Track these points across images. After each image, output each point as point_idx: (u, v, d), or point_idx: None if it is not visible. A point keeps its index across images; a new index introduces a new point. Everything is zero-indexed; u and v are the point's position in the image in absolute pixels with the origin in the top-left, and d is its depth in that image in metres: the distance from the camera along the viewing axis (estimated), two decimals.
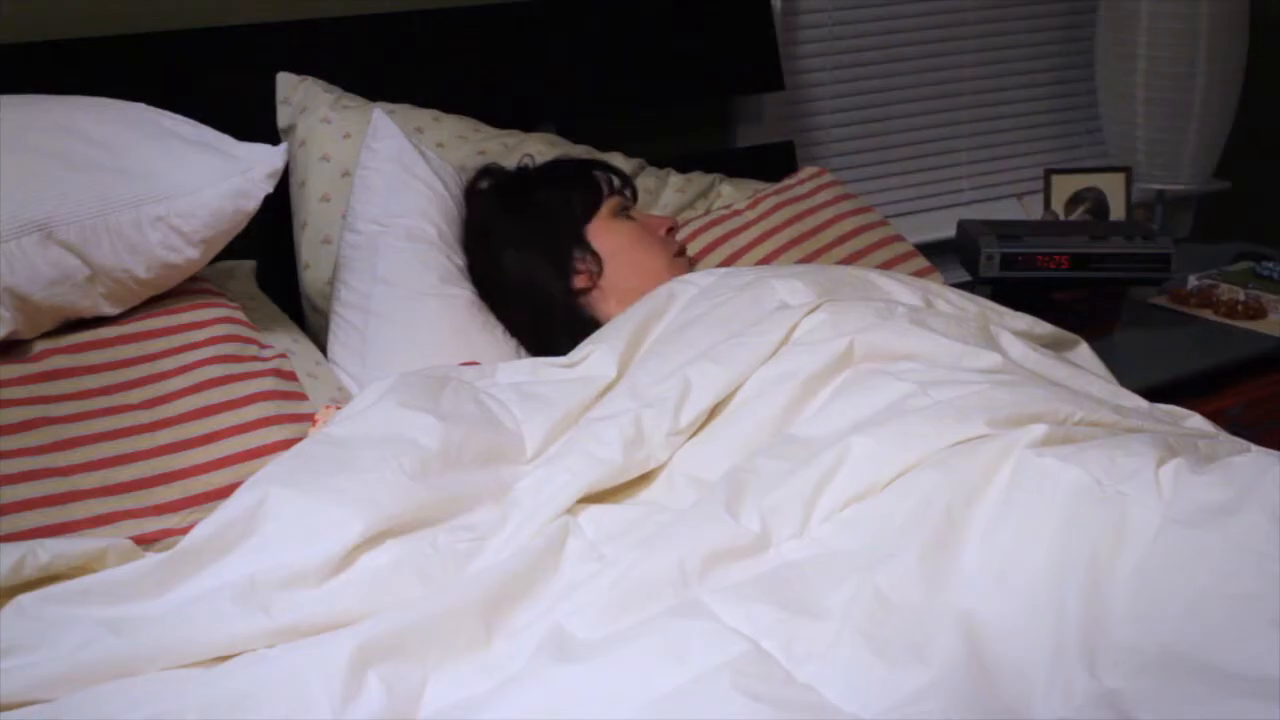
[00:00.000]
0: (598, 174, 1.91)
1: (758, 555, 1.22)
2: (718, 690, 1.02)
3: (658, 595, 1.17)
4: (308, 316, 1.96)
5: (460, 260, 1.87)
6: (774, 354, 1.47)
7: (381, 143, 1.91)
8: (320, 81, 2.03)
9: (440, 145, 2.02)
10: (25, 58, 1.87)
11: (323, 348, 1.87)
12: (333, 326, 1.86)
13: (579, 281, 1.84)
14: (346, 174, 1.94)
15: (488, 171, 1.95)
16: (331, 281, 1.90)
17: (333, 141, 1.96)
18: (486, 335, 1.82)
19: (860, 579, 1.14)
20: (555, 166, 1.95)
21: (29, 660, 1.15)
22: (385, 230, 1.85)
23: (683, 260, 1.93)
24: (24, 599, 1.23)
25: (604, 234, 1.86)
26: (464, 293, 1.84)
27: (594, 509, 1.35)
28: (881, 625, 1.09)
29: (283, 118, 2.00)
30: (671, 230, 1.97)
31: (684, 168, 2.25)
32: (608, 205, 1.88)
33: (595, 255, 1.84)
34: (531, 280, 1.83)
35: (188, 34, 2.01)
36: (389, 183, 1.88)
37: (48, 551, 1.27)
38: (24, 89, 1.76)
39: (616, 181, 1.93)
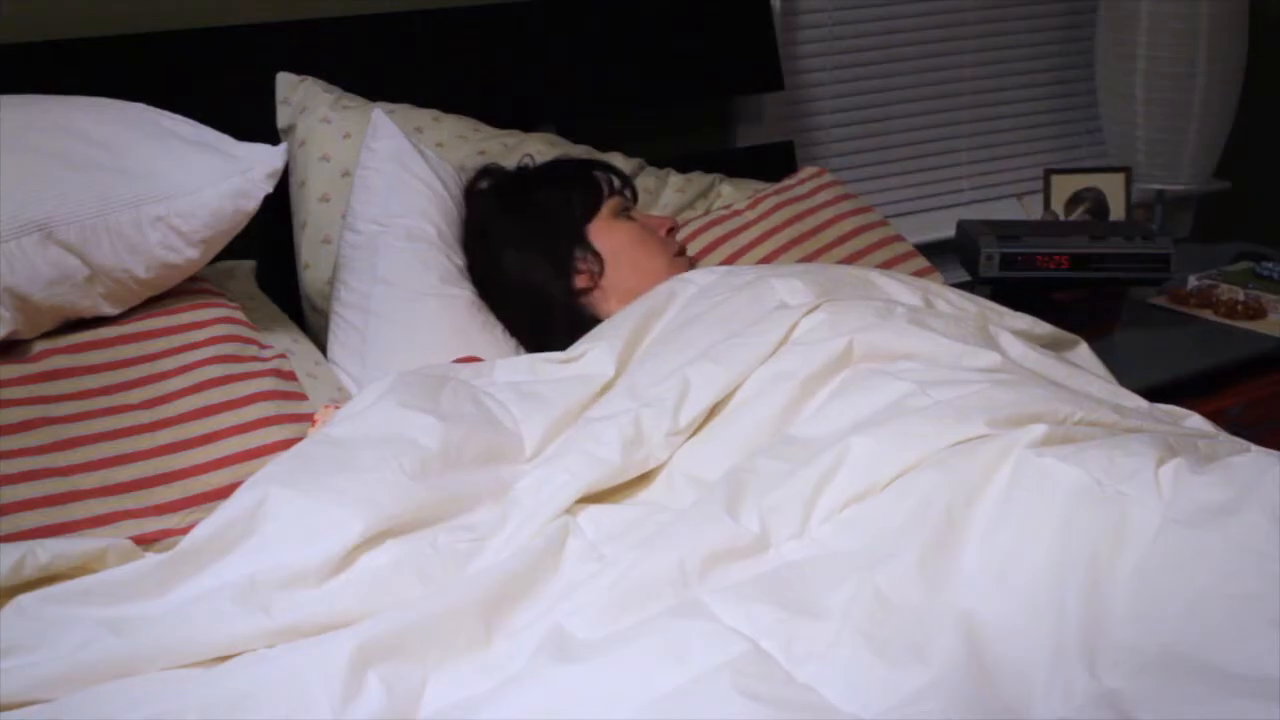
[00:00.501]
0: (598, 174, 1.91)
1: (757, 555, 1.22)
2: (717, 690, 1.02)
3: (657, 595, 1.16)
4: (308, 316, 1.96)
5: (460, 259, 1.87)
6: (773, 354, 1.47)
7: (380, 142, 1.91)
8: (320, 81, 2.03)
9: (440, 145, 2.02)
10: (25, 58, 1.87)
11: (323, 347, 1.86)
12: (332, 327, 1.86)
13: (580, 281, 1.84)
14: (346, 174, 1.94)
15: (487, 171, 1.95)
16: (331, 281, 1.90)
17: (332, 141, 1.96)
18: (486, 335, 1.82)
19: (860, 579, 1.14)
20: (555, 166, 1.95)
21: (29, 660, 1.15)
22: (385, 230, 1.85)
23: (683, 260, 1.93)
24: (24, 599, 1.23)
25: (605, 234, 1.86)
26: (464, 293, 1.84)
27: (594, 509, 1.34)
28: (881, 625, 1.09)
29: (282, 118, 2.00)
30: (672, 230, 1.97)
31: (684, 168, 2.25)
32: (608, 205, 1.89)
33: (596, 255, 1.84)
34: (531, 280, 1.83)
35: (188, 34, 2.01)
36: (388, 182, 1.88)
37: (47, 551, 1.27)
38: (24, 89, 1.76)
39: (617, 182, 1.93)
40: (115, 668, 1.15)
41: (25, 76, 1.80)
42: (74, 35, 1.93)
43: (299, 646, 1.15)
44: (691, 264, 1.96)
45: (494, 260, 1.86)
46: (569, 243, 1.84)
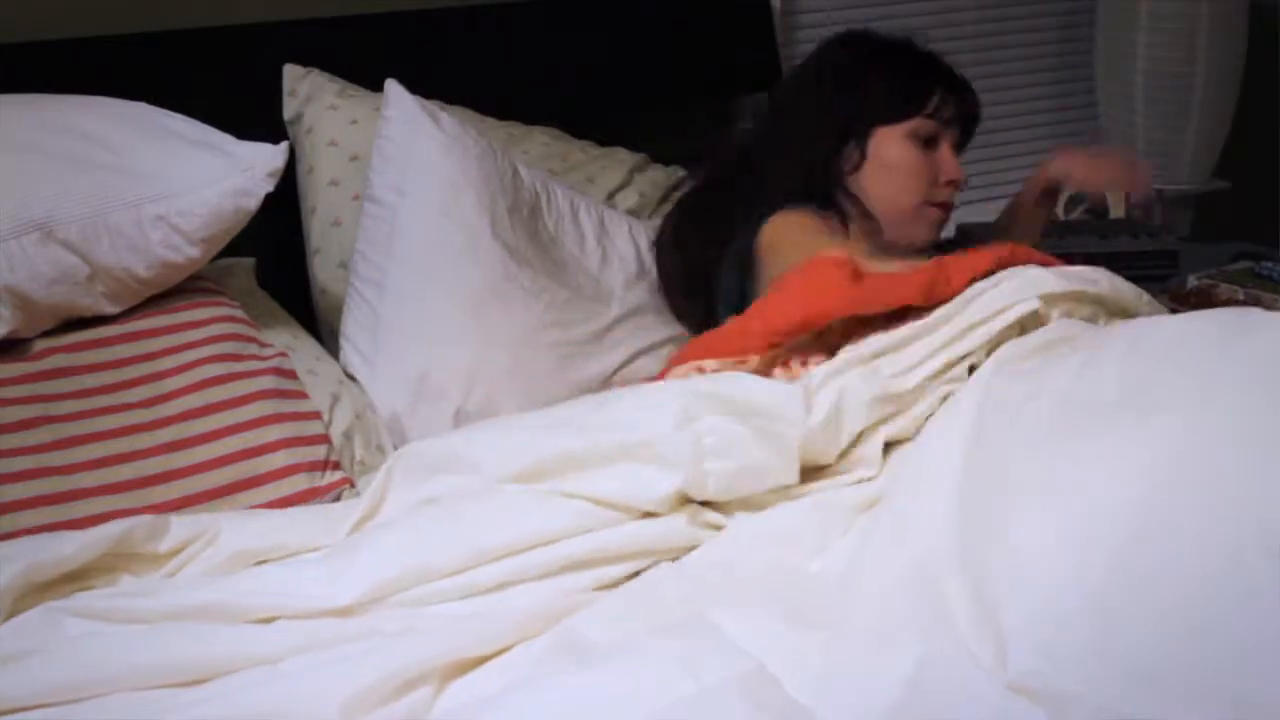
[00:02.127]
0: (937, 90, 1.92)
1: (771, 575, 1.23)
2: (725, 701, 1.02)
3: (673, 607, 1.17)
4: (316, 300, 1.96)
5: (481, 226, 1.83)
6: None
7: (395, 110, 1.89)
8: (325, 73, 2.03)
9: None
10: (25, 58, 1.87)
11: (329, 335, 1.87)
12: (349, 300, 1.85)
13: (841, 165, 1.89)
14: (355, 158, 1.94)
15: (857, 33, 2.00)
16: (345, 262, 1.90)
17: (340, 127, 1.97)
18: (503, 315, 1.80)
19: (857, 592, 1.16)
20: (913, 56, 1.97)
21: (39, 663, 1.15)
22: (405, 198, 1.83)
23: (934, 213, 1.93)
24: (53, 605, 1.23)
25: (886, 143, 1.90)
26: (479, 271, 1.81)
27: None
28: (881, 638, 1.10)
29: (289, 109, 2.00)
30: (953, 184, 1.95)
31: (687, 167, 2.26)
32: (913, 123, 1.90)
33: (862, 154, 1.89)
34: (807, 140, 1.90)
35: (188, 33, 2.01)
36: (406, 149, 1.86)
37: (73, 543, 1.27)
38: (24, 89, 1.76)
39: (948, 110, 1.93)
40: (131, 676, 1.14)
41: (25, 76, 1.80)
42: (74, 35, 1.93)
43: (318, 665, 1.14)
44: (943, 220, 1.97)
45: (796, 105, 1.94)
46: (854, 129, 1.89)
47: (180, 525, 1.35)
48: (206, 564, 1.32)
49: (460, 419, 1.73)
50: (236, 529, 1.36)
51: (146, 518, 1.34)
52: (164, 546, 1.34)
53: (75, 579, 1.29)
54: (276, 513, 1.46)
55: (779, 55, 2.50)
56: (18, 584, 1.23)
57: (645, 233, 2.04)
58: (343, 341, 1.82)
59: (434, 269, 1.80)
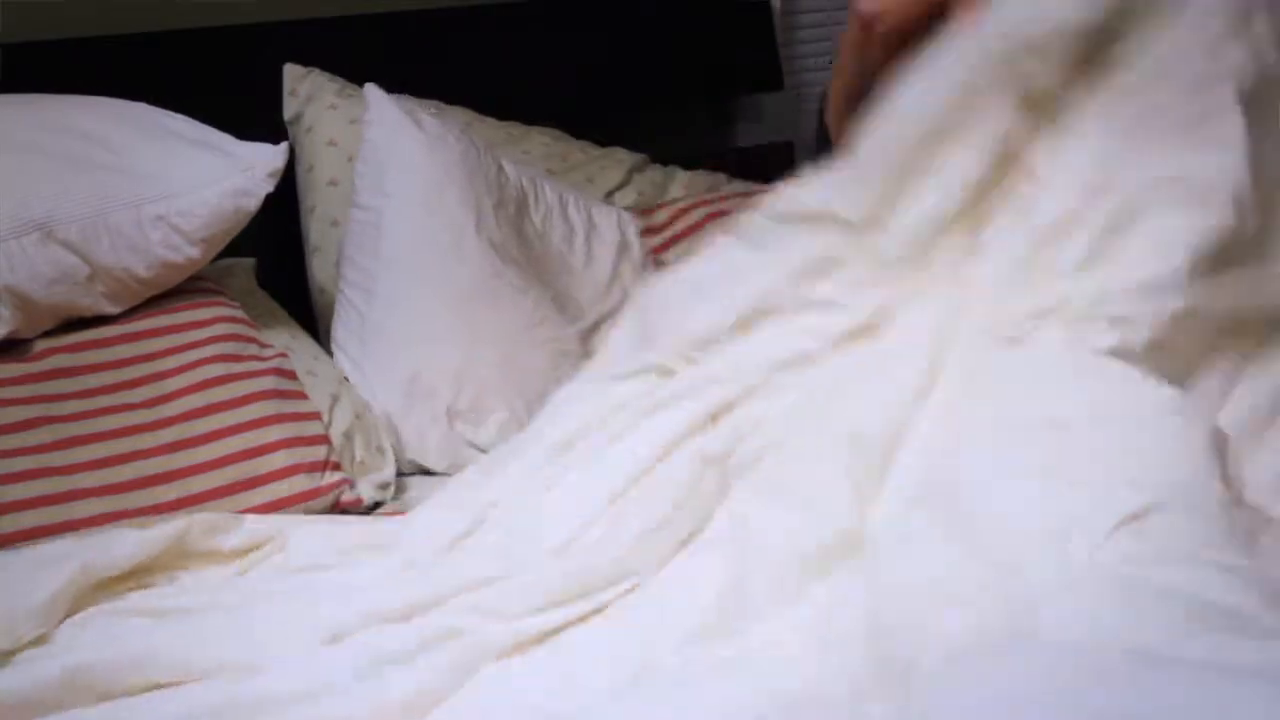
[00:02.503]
0: None
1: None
2: None
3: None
4: (315, 300, 1.96)
5: (466, 224, 1.82)
6: None
7: (376, 114, 1.89)
8: (325, 73, 2.03)
9: None
10: (25, 58, 1.88)
11: (329, 335, 1.87)
12: (338, 307, 1.85)
13: None
14: (353, 158, 1.94)
15: None
16: (339, 262, 1.90)
17: (339, 127, 1.97)
18: (491, 313, 1.80)
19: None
20: None
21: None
22: (390, 201, 1.83)
23: None
24: (95, 610, 1.24)
25: None
26: (465, 270, 1.81)
27: None
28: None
29: (289, 108, 2.01)
30: None
31: (687, 167, 2.26)
32: None
33: None
34: None
35: (188, 34, 2.01)
36: (388, 154, 1.86)
37: (126, 543, 1.29)
38: (26, 89, 1.76)
39: None
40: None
41: (25, 76, 1.80)
42: (75, 35, 1.93)
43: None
44: None
45: None
46: None
47: (252, 523, 1.38)
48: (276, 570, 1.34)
49: (451, 417, 1.73)
50: (306, 537, 1.37)
51: (205, 515, 1.37)
52: (229, 544, 1.36)
53: (134, 576, 1.30)
54: (352, 523, 1.47)
55: (779, 55, 2.50)
56: (75, 585, 1.24)
57: (634, 223, 2.03)
58: (334, 348, 1.82)
59: (420, 268, 1.80)
